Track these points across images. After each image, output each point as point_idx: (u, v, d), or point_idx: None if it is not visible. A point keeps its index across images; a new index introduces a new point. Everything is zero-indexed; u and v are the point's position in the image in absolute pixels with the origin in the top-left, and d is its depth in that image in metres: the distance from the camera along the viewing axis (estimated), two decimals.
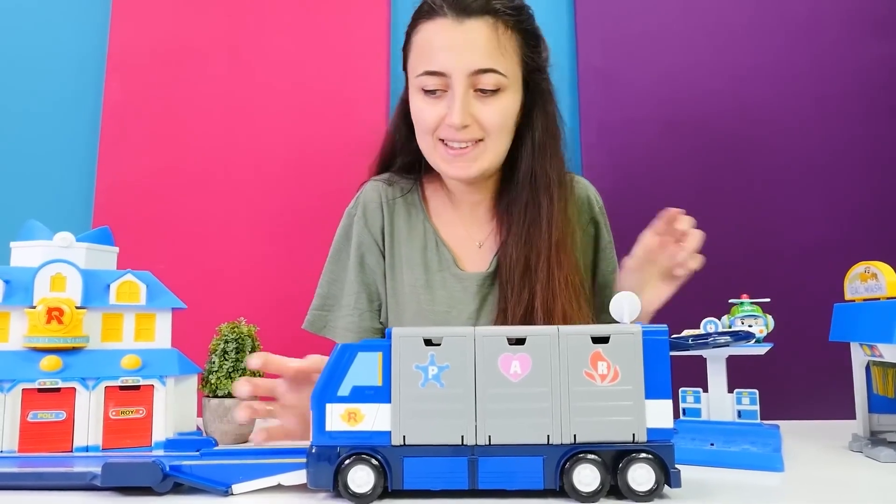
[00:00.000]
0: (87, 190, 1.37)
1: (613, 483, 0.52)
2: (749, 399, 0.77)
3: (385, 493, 0.51)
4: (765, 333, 0.75)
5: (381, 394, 0.52)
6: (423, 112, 0.88)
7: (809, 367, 1.22)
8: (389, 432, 0.52)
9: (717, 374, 0.79)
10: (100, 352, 0.72)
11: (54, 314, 0.69)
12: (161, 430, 0.72)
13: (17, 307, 0.69)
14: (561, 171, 0.93)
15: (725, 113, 1.33)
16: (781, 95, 1.33)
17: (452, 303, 0.95)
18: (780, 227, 1.30)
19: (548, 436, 0.52)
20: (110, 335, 0.74)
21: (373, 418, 0.52)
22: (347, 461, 0.51)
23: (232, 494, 0.53)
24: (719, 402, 0.77)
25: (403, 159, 0.99)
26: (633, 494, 0.52)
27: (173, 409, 0.74)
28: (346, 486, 0.51)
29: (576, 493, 0.52)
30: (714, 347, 0.58)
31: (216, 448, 0.62)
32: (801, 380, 1.23)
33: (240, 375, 0.78)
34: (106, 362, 0.71)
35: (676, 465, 0.53)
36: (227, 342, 0.79)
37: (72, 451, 0.67)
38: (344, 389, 0.52)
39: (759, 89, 1.33)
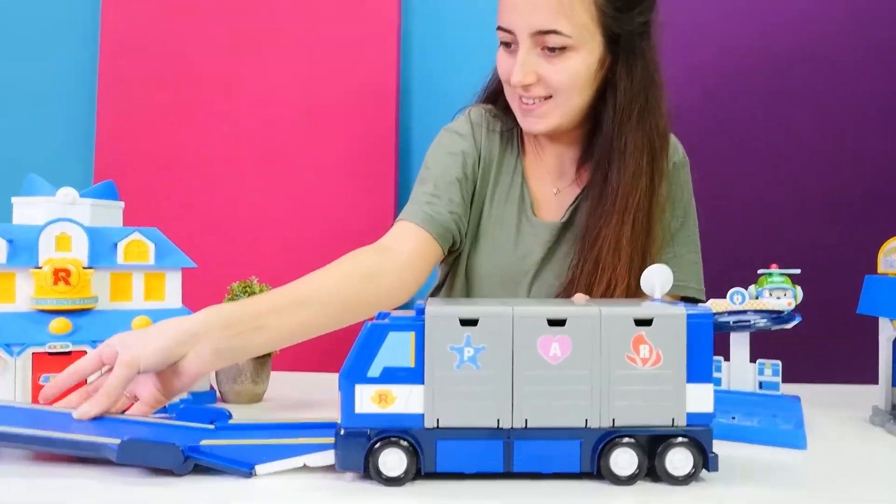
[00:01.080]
0: (87, 139, 1.31)
1: (650, 466, 0.51)
2: (772, 370, 0.76)
3: (417, 475, 0.50)
4: (793, 306, 0.74)
5: (413, 375, 0.50)
6: (501, 63, 0.89)
7: (833, 337, 1.20)
8: (422, 415, 0.50)
9: (740, 345, 0.77)
10: (109, 313, 0.70)
11: (61, 275, 0.66)
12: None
13: (23, 268, 0.66)
14: (646, 136, 0.88)
15: (756, 64, 1.27)
16: (817, 45, 1.26)
17: (522, 247, 0.94)
18: (813, 191, 1.26)
19: (586, 420, 0.51)
20: (119, 295, 0.71)
21: (405, 400, 0.50)
22: (378, 444, 0.49)
23: (255, 476, 0.51)
24: (741, 371, 0.76)
25: (505, 100, 0.96)
26: (671, 478, 0.51)
27: None
28: (377, 470, 0.49)
29: (613, 477, 0.50)
30: (755, 330, 0.56)
31: (232, 423, 0.60)
32: (823, 348, 1.21)
33: None
34: (116, 323, 0.69)
35: (714, 450, 0.51)
36: None
37: None
38: (374, 370, 0.50)
39: (792, 37, 1.27)
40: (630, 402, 0.51)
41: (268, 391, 0.82)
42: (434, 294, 1.02)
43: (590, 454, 0.51)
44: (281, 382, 0.87)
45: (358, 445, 0.50)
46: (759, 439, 0.66)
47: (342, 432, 0.50)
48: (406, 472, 0.49)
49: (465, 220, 0.93)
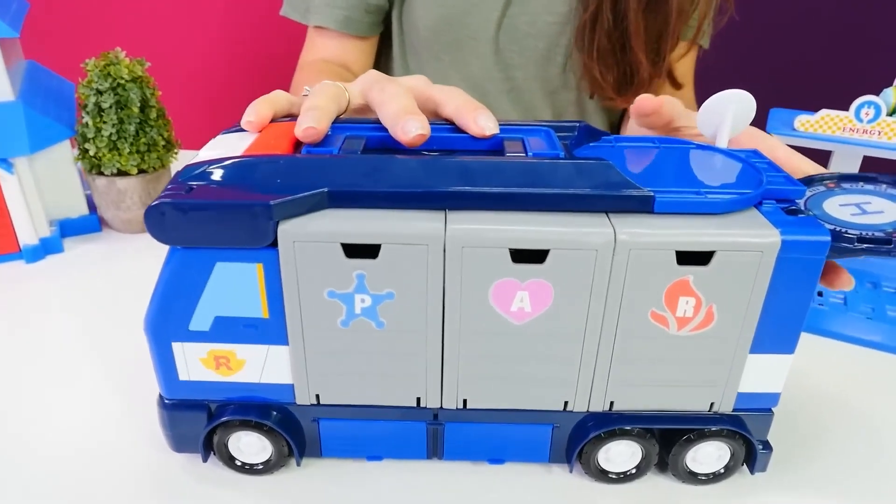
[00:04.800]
0: None
1: (661, 456, 0.32)
2: None
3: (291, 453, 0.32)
4: None
5: (270, 331, 0.29)
6: None
7: None
8: (291, 386, 0.30)
9: (845, 155, 0.53)
10: None
11: None
12: (28, 231, 0.51)
13: None
14: None
15: None
16: None
17: None
18: None
19: (565, 403, 0.30)
20: None
21: (259, 366, 0.30)
22: (226, 424, 0.31)
23: None
24: None
25: None
26: (686, 475, 0.32)
27: (38, 198, 0.52)
28: (228, 456, 0.32)
29: (597, 472, 0.32)
30: None
31: None
32: None
33: (132, 148, 0.52)
34: None
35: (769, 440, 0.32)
36: (100, 93, 0.51)
37: None
38: (200, 321, 0.28)
39: None
40: (643, 379, 0.30)
41: None
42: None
43: (567, 442, 0.32)
44: None
45: (193, 421, 0.31)
46: (859, 339, 0.45)
47: (166, 401, 0.31)
48: (271, 460, 0.32)
49: None
